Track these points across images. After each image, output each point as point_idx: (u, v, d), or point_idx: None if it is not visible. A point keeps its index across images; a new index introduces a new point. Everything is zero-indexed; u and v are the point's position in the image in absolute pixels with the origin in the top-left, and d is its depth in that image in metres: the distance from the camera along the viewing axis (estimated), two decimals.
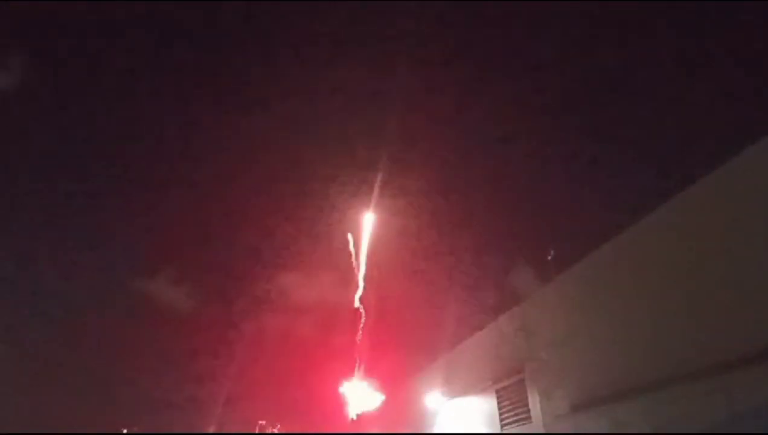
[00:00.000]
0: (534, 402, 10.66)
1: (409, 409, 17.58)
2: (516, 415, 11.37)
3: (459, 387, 14.25)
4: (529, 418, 10.81)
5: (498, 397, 12.10)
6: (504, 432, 11.79)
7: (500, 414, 11.96)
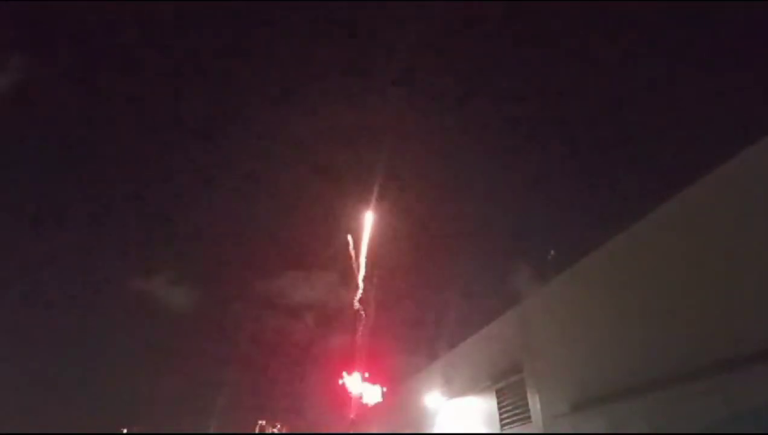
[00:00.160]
0: (533, 402, 10.66)
1: (408, 409, 17.58)
2: (515, 414, 11.37)
3: (459, 387, 14.25)
4: (528, 418, 10.81)
5: (498, 397, 12.10)
6: (504, 432, 11.79)
7: (500, 414, 11.96)
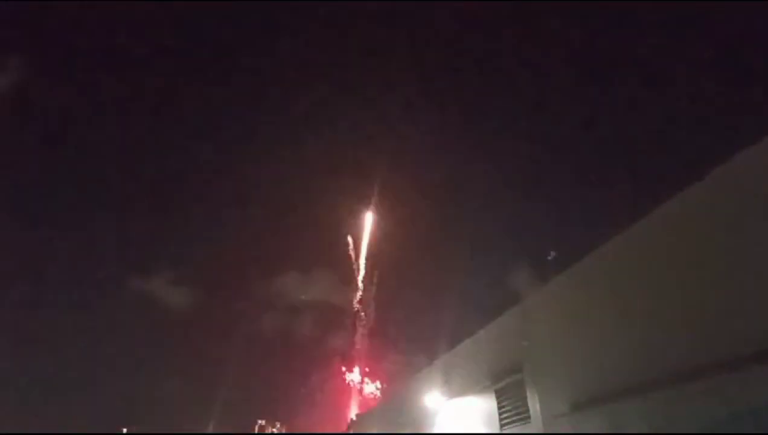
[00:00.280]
0: (533, 402, 10.65)
1: (408, 409, 17.58)
2: (515, 414, 11.36)
3: (458, 387, 14.25)
4: (528, 417, 10.81)
5: (497, 397, 12.10)
6: (503, 432, 11.78)
7: (499, 414, 11.96)
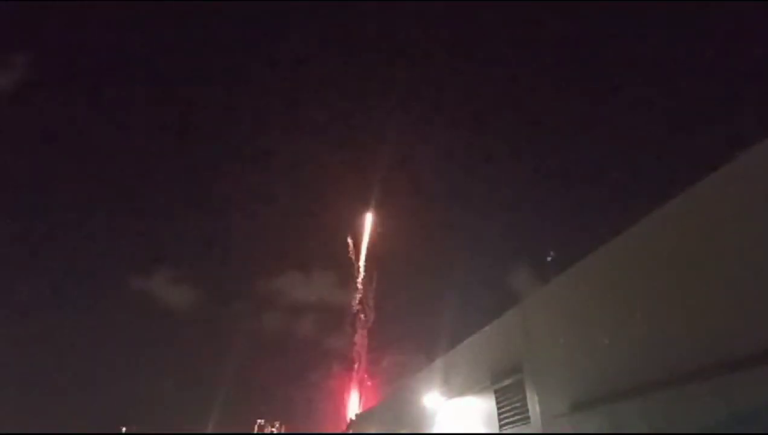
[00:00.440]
0: (533, 402, 10.65)
1: (407, 409, 17.57)
2: (515, 415, 11.35)
3: (457, 387, 14.24)
4: (527, 418, 10.80)
5: (497, 397, 12.09)
6: (503, 432, 11.77)
7: (499, 414, 11.95)
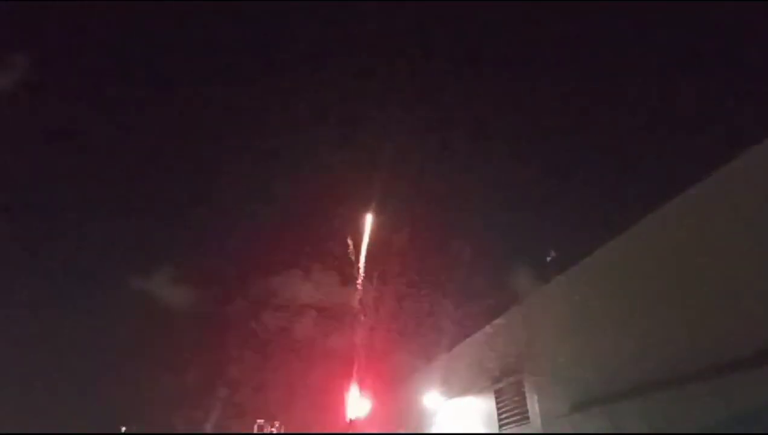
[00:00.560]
0: (532, 402, 10.64)
1: (407, 409, 17.56)
2: (514, 415, 11.35)
3: (457, 387, 14.23)
4: (527, 418, 10.79)
5: (496, 397, 12.08)
6: (502, 432, 11.76)
7: (499, 414, 11.94)
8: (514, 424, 11.36)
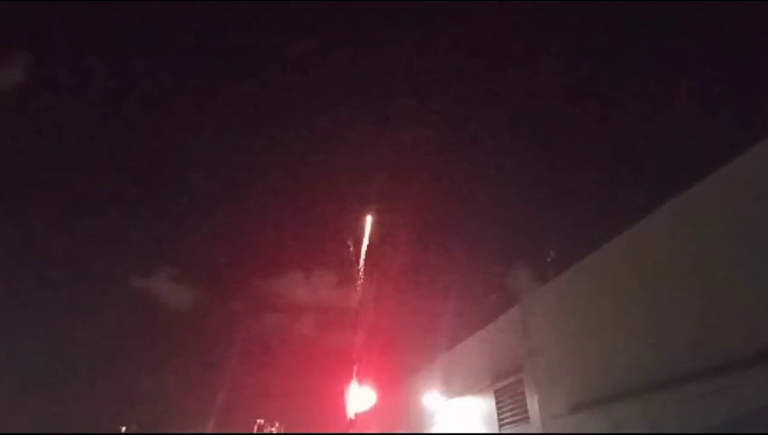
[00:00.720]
0: (532, 402, 10.64)
1: (407, 409, 17.56)
2: (514, 415, 11.35)
3: (457, 387, 14.23)
4: (527, 418, 10.79)
5: (496, 397, 12.09)
6: (502, 432, 11.77)
7: (499, 414, 11.94)
8: (514, 424, 11.36)
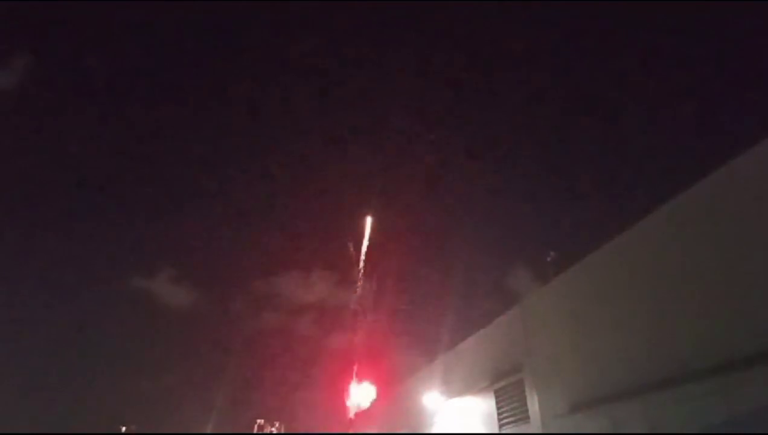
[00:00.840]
0: (532, 402, 10.64)
1: (407, 409, 17.57)
2: (514, 415, 11.35)
3: (458, 387, 14.24)
4: (527, 418, 10.79)
5: (497, 397, 12.09)
6: (502, 432, 11.77)
7: (499, 414, 11.95)
8: (514, 424, 11.36)
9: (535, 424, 10.46)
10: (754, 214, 6.49)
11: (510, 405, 11.56)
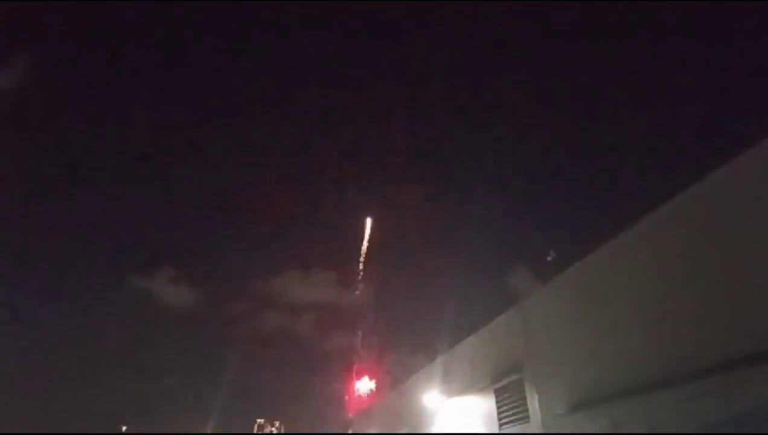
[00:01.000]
0: (532, 401, 10.65)
1: (407, 409, 17.57)
2: (514, 414, 11.36)
3: (457, 386, 14.24)
4: (527, 417, 10.80)
5: (496, 397, 12.09)
6: (502, 432, 11.78)
7: (499, 413, 11.95)
8: (514, 424, 11.37)
9: (535, 424, 10.47)
10: (754, 214, 6.49)
11: (510, 404, 11.57)
